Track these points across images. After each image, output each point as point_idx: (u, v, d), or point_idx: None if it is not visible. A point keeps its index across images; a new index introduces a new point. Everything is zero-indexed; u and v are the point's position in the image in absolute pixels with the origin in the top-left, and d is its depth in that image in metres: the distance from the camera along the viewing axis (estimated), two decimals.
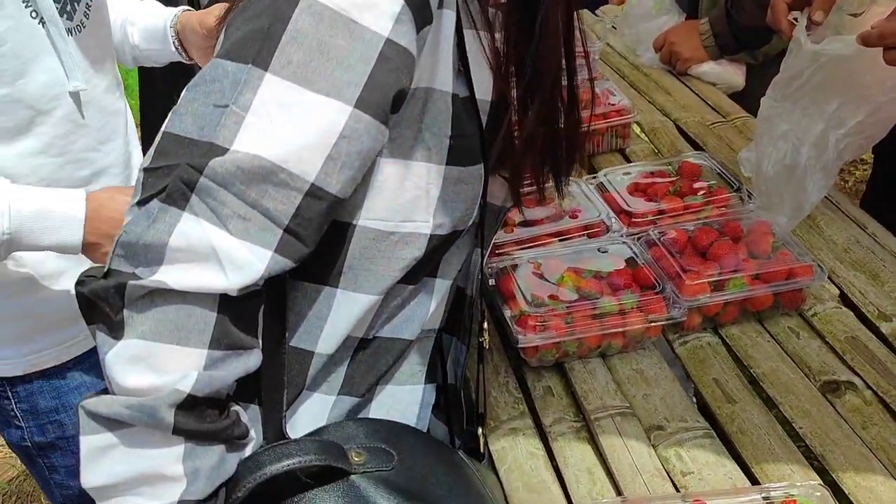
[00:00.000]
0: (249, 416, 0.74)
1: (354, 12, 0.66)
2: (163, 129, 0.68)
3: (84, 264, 0.91)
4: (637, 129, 1.65)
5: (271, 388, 0.74)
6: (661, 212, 1.26)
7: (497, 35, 0.76)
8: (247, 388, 0.72)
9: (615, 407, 1.02)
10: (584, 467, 0.96)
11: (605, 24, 2.08)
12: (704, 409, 1.03)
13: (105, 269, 0.66)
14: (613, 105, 1.55)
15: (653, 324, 1.07)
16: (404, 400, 0.84)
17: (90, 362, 1.14)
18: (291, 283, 0.74)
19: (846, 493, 0.89)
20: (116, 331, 0.65)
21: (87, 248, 0.94)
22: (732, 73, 1.85)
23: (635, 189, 1.33)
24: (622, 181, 1.34)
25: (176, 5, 1.30)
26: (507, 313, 1.08)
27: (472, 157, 0.77)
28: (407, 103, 0.71)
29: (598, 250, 1.17)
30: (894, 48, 1.04)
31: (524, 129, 0.81)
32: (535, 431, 1.01)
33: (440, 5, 0.71)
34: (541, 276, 1.13)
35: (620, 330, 1.06)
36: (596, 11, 2.24)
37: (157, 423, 0.64)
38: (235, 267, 0.64)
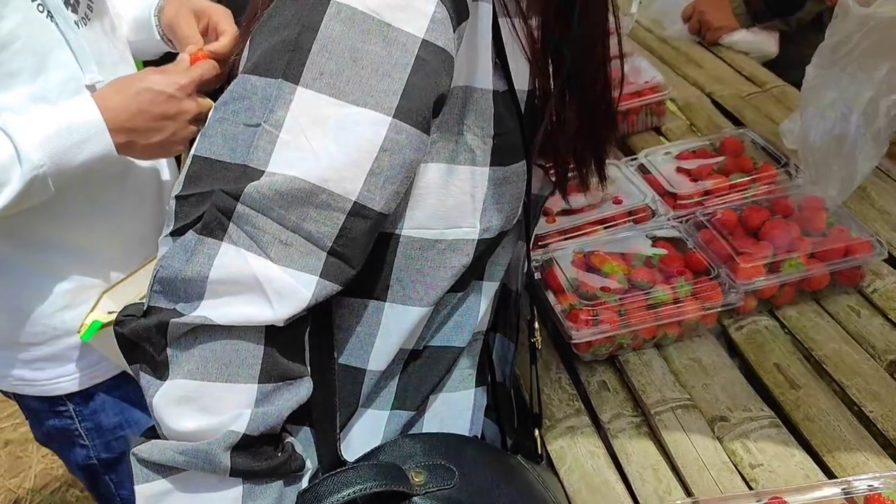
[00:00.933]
0: (302, 439, 0.72)
1: (387, 14, 0.61)
2: (192, 152, 0.64)
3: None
4: (672, 106, 1.60)
5: (323, 410, 0.72)
6: (707, 192, 1.22)
7: (532, 22, 0.72)
8: (298, 411, 0.69)
9: (675, 399, 0.99)
10: (648, 464, 0.93)
11: None
12: (767, 396, 1.00)
13: (145, 307, 0.63)
14: (648, 82, 1.50)
15: (709, 311, 1.03)
16: (457, 406, 0.82)
17: None
18: (337, 299, 0.71)
19: None
20: (161, 371, 0.62)
21: (123, 149, 0.91)
22: (765, 41, 1.79)
23: (678, 169, 1.28)
24: (664, 161, 1.30)
25: None
26: (557, 307, 1.05)
27: (516, 154, 0.74)
28: (446, 104, 0.67)
29: (646, 236, 1.14)
30: None
31: (564, 117, 0.77)
32: (593, 429, 0.99)
33: None
34: (589, 267, 1.09)
35: (676, 320, 1.02)
36: None
37: (215, 467, 0.62)
38: (281, 297, 0.61)
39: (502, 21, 0.71)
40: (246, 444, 0.62)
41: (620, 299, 1.02)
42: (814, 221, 1.13)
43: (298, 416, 0.70)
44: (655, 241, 1.13)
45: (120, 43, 1.09)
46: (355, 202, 0.62)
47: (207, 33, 1.06)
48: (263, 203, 0.60)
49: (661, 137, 1.54)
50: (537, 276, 1.10)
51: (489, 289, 0.80)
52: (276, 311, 0.61)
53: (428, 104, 0.63)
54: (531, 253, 1.11)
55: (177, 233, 0.63)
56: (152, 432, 0.65)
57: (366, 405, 0.76)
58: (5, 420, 2.34)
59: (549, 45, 0.73)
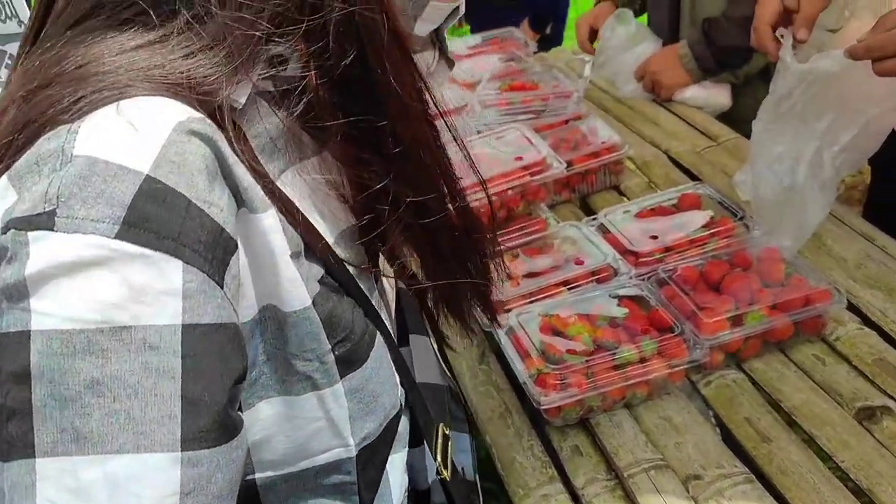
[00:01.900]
0: None
1: (120, 315, 0.44)
2: None
3: None
4: (630, 164, 1.63)
5: None
6: (667, 248, 1.24)
7: (320, 159, 0.58)
8: None
9: (648, 460, 0.98)
10: None
11: (585, 60, 2.08)
12: (740, 451, 0.99)
13: None
14: (605, 142, 1.53)
15: (676, 368, 1.03)
16: None
17: None
18: None
19: None
20: None
21: None
22: (717, 94, 1.84)
23: (637, 228, 1.30)
24: (623, 220, 1.32)
25: None
26: (525, 373, 1.04)
27: (368, 341, 0.60)
28: (250, 341, 0.54)
29: (610, 295, 1.14)
30: (882, 59, 1.03)
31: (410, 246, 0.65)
32: (567, 497, 0.97)
33: (246, 208, 0.51)
34: (554, 330, 1.10)
35: (644, 379, 1.02)
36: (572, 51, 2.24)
37: None
38: None
39: (285, 188, 0.55)
40: None
41: (587, 361, 1.02)
42: (772, 273, 1.15)
43: None
44: (620, 300, 1.14)
45: None
46: None
47: None
48: None
49: (621, 196, 1.56)
50: (504, 339, 1.10)
51: (398, 461, 0.67)
52: None
53: (222, 402, 0.48)
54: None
55: None
56: None
57: None
58: None
59: (371, 183, 0.58)
